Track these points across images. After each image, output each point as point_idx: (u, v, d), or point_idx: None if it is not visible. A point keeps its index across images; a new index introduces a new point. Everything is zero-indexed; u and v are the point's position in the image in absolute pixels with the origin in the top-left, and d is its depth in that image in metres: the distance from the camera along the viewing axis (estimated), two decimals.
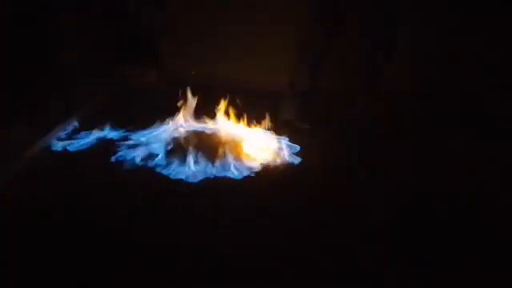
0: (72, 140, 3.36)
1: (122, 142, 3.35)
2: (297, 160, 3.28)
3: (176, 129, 3.46)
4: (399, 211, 2.86)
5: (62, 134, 3.41)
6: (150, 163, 3.15)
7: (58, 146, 3.29)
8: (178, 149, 3.26)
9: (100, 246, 2.54)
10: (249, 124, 3.48)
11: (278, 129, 3.51)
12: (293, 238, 2.66)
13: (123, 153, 3.24)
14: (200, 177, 3.05)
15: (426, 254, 2.59)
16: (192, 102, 3.52)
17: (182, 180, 3.03)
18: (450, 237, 2.70)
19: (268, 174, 3.15)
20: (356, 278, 2.45)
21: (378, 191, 3.03)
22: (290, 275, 2.44)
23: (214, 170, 3.10)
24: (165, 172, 3.08)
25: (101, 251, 2.52)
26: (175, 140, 3.37)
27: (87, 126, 3.50)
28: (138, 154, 3.21)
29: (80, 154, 3.26)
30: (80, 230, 2.63)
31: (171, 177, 3.05)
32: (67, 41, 3.66)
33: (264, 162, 3.23)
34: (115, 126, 3.50)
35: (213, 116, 3.53)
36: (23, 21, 3.42)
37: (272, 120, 3.48)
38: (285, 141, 3.45)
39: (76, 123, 3.54)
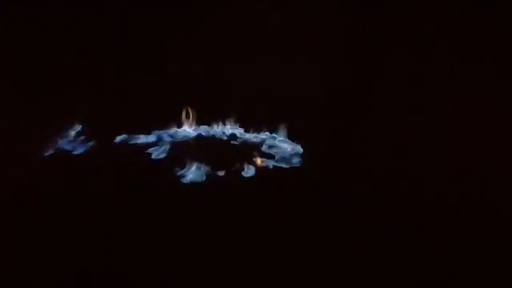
0: (76, 143, 3.36)
1: (126, 145, 3.36)
2: (298, 159, 3.30)
3: (181, 133, 3.48)
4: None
5: (67, 137, 3.42)
6: (155, 165, 3.17)
7: (62, 148, 3.30)
8: (182, 152, 3.28)
9: (101, 246, 2.55)
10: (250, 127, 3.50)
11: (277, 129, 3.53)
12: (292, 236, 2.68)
13: (127, 155, 3.25)
14: (204, 178, 3.08)
15: None
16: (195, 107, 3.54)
17: (184, 181, 3.05)
18: None
19: (271, 173, 3.17)
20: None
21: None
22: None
23: (218, 171, 3.12)
24: (168, 173, 3.10)
25: (102, 251, 2.53)
26: (180, 143, 3.38)
27: (91, 129, 3.51)
28: (142, 156, 3.23)
29: (83, 156, 3.27)
30: (82, 230, 2.64)
31: (174, 178, 3.07)
32: (73, 45, 3.66)
33: (266, 162, 3.25)
34: (118, 130, 3.50)
35: (216, 120, 3.55)
36: (24, 22, 3.42)
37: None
38: (284, 140, 3.46)
39: (80, 127, 3.54)
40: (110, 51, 3.81)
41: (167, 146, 3.34)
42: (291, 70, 3.74)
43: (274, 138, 3.49)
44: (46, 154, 3.25)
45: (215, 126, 3.56)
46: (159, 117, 3.57)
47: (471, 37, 3.71)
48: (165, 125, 3.54)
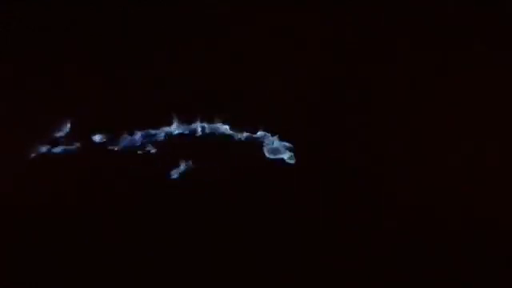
0: (66, 142, 3.36)
1: (119, 145, 3.36)
2: (289, 157, 3.30)
3: (172, 131, 3.48)
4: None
5: (58, 136, 3.41)
6: (145, 165, 3.17)
7: (55, 148, 3.30)
8: (173, 150, 3.28)
9: (100, 246, 2.55)
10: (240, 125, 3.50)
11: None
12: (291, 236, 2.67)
13: (118, 155, 3.25)
14: (196, 177, 3.07)
15: None
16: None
17: (175, 180, 3.04)
18: None
19: (261, 172, 3.16)
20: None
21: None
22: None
23: (210, 170, 3.12)
24: (159, 173, 3.09)
25: (101, 250, 2.52)
26: (171, 142, 3.38)
27: (83, 128, 3.50)
28: (133, 156, 3.23)
29: (74, 156, 3.26)
30: (78, 230, 2.64)
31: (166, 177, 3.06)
32: (67, 41, 3.66)
33: (256, 160, 3.24)
34: (112, 128, 3.50)
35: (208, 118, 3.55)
36: (21, 20, 3.43)
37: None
38: (276, 139, 3.46)
39: (71, 125, 3.54)
40: (105, 50, 3.82)
41: (159, 145, 3.34)
42: (286, 68, 3.74)
43: (268, 137, 3.50)
44: (35, 154, 3.25)
45: (207, 125, 3.56)
46: (152, 116, 3.57)
47: (471, 37, 3.71)
48: (157, 123, 3.54)
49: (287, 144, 3.41)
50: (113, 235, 2.66)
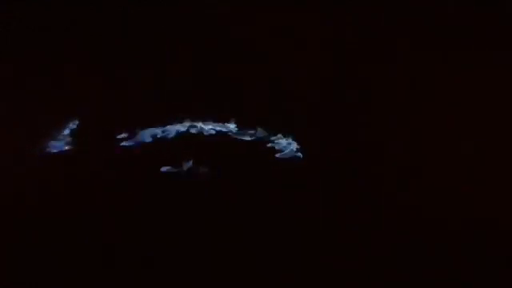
0: (69, 140, 3.36)
1: (118, 145, 3.36)
2: (296, 156, 3.30)
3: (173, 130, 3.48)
4: None
5: (58, 136, 3.42)
6: (146, 165, 3.17)
7: (56, 146, 3.30)
8: (171, 151, 3.28)
9: (100, 246, 2.55)
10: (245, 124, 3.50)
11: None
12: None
13: (118, 155, 3.25)
14: (196, 177, 3.07)
15: None
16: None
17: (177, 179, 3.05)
18: None
19: (266, 171, 3.16)
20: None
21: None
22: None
23: (211, 169, 3.12)
24: (160, 173, 3.09)
25: (101, 250, 2.53)
26: (170, 142, 3.38)
27: (85, 126, 3.50)
28: (134, 155, 3.23)
29: (74, 156, 3.26)
30: (78, 230, 2.64)
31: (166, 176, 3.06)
32: (67, 41, 3.66)
33: (261, 160, 3.24)
34: (112, 129, 3.50)
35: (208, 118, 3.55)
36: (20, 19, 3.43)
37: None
38: (276, 139, 3.46)
39: (74, 123, 3.54)
40: (105, 50, 3.82)
41: (159, 145, 3.34)
42: (286, 68, 3.74)
43: (268, 137, 3.50)
44: (35, 154, 3.25)
45: (207, 124, 3.56)
46: (152, 116, 3.57)
47: (471, 37, 3.70)
48: (157, 123, 3.54)
49: (287, 144, 3.42)
50: (113, 235, 2.66)
